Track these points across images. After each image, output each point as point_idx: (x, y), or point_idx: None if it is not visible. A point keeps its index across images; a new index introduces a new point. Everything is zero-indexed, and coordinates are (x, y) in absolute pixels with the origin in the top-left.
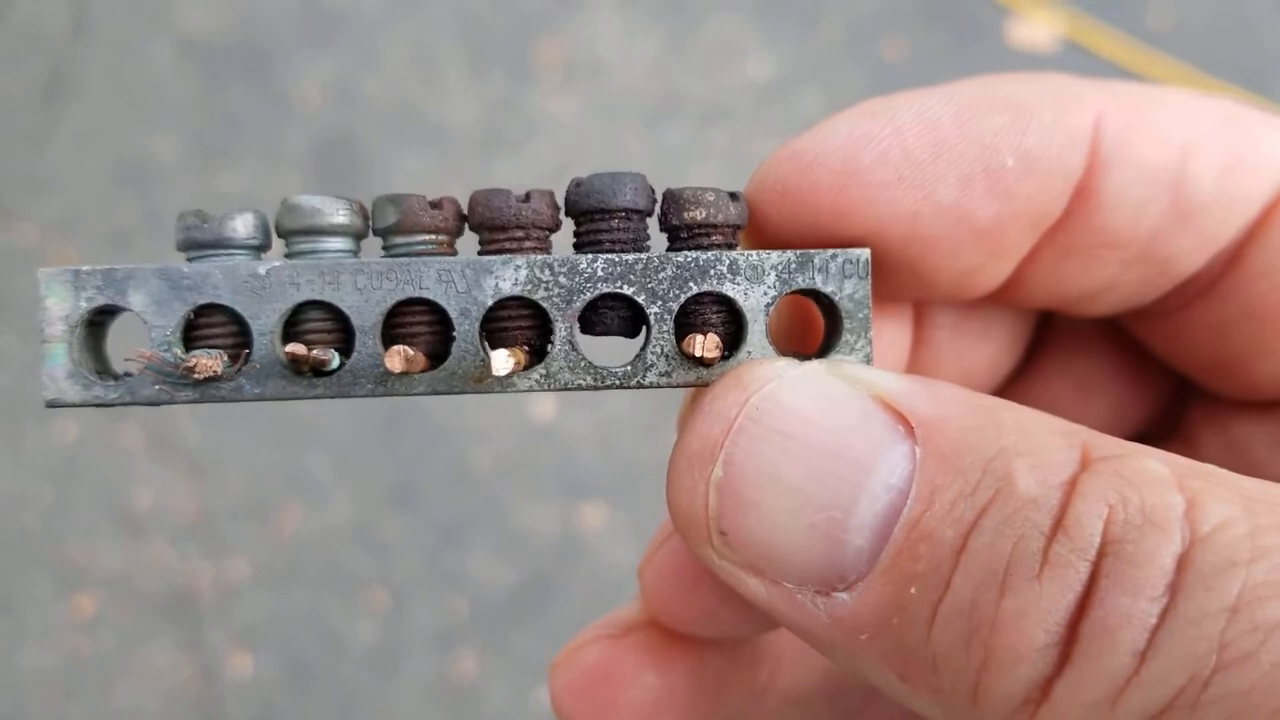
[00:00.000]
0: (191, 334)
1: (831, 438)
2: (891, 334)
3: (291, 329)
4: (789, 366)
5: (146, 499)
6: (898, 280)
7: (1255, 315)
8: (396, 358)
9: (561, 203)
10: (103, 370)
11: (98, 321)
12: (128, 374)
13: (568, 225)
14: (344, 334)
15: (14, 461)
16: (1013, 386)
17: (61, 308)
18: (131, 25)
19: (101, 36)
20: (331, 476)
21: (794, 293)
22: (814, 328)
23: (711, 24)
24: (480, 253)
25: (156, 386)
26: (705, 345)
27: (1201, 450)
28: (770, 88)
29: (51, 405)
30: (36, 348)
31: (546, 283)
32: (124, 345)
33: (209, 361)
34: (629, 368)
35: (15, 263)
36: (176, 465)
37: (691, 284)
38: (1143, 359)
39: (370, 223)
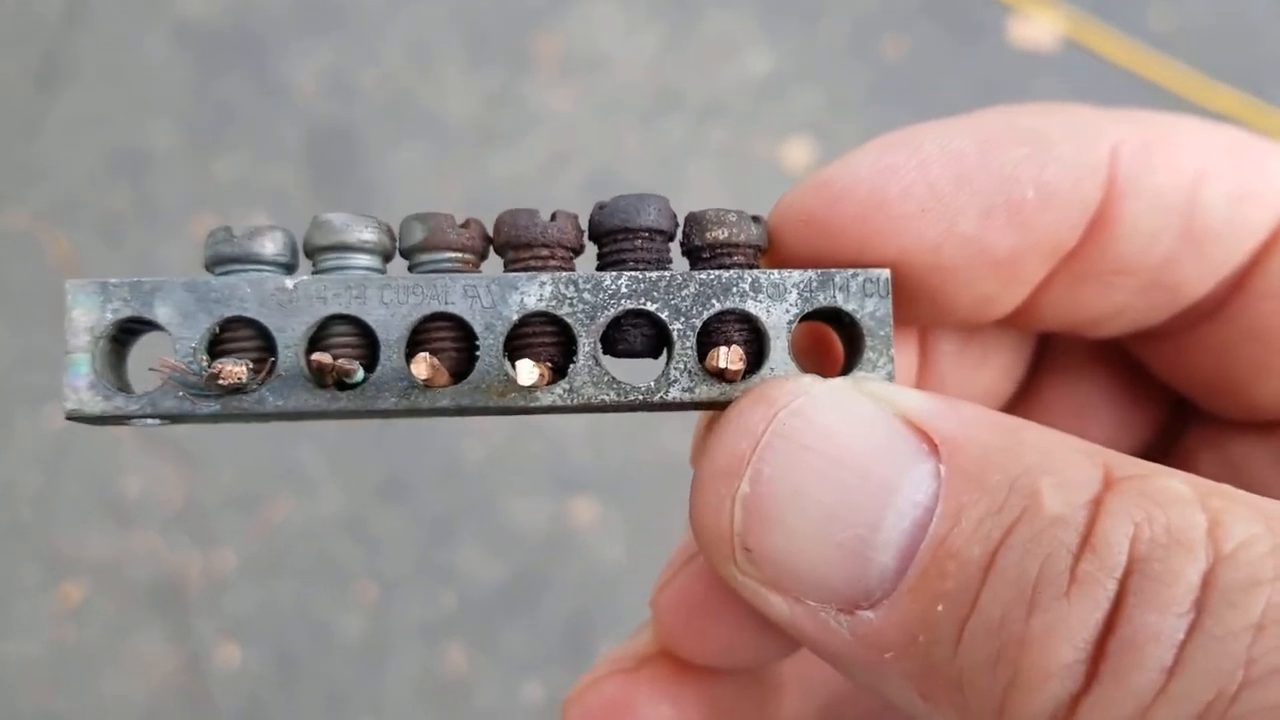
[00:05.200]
0: (216, 348)
1: (858, 455)
2: (899, 360)
3: (316, 345)
4: (814, 383)
5: (135, 488)
6: (915, 306)
7: (1258, 337)
8: (422, 364)
9: (585, 225)
10: (123, 387)
11: (120, 340)
12: (148, 393)
13: (590, 252)
14: (369, 350)
15: (3, 449)
16: (1012, 411)
17: (87, 318)
18: (126, 11)
19: (96, 22)
20: (322, 468)
21: (815, 312)
22: (831, 356)
23: (711, 19)
24: (506, 271)
25: (179, 395)
26: (729, 357)
27: (1200, 471)
28: (769, 84)
29: (71, 417)
30: (30, 335)
31: (571, 299)
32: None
33: (234, 368)
34: (652, 384)
35: (6, 249)
36: (166, 454)
37: (714, 301)
38: (1140, 381)
39: (396, 243)
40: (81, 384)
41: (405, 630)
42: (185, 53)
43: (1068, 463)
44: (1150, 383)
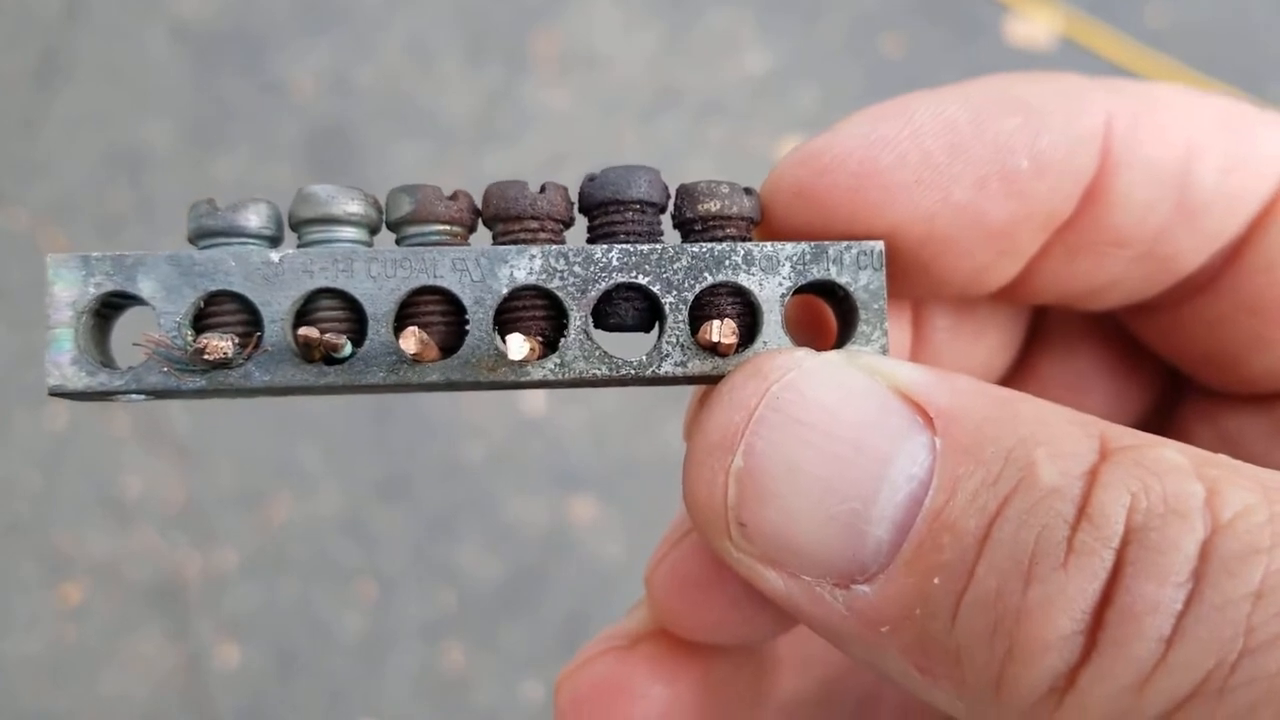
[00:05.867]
0: (201, 323)
1: (852, 429)
2: (893, 333)
3: (302, 320)
4: (808, 356)
5: (135, 487)
6: (908, 279)
7: (1252, 309)
8: (411, 338)
9: (575, 198)
10: (107, 362)
11: (104, 315)
12: (132, 368)
13: (580, 225)
14: (356, 325)
15: (2, 448)
16: (1008, 385)
17: (69, 293)
18: (125, 9)
19: (95, 20)
20: (321, 466)
21: (809, 285)
22: (824, 329)
23: (710, 17)
24: (495, 244)
25: (164, 370)
26: (722, 331)
27: (1194, 444)
28: (768, 82)
29: (54, 393)
30: (29, 334)
31: (562, 272)
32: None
33: (219, 343)
34: (644, 358)
35: (5, 248)
36: (166, 453)
37: (707, 274)
38: (1135, 355)
39: (384, 215)
40: (64, 359)
41: (405, 629)
42: (184, 51)
43: (1063, 434)
44: (1145, 356)
